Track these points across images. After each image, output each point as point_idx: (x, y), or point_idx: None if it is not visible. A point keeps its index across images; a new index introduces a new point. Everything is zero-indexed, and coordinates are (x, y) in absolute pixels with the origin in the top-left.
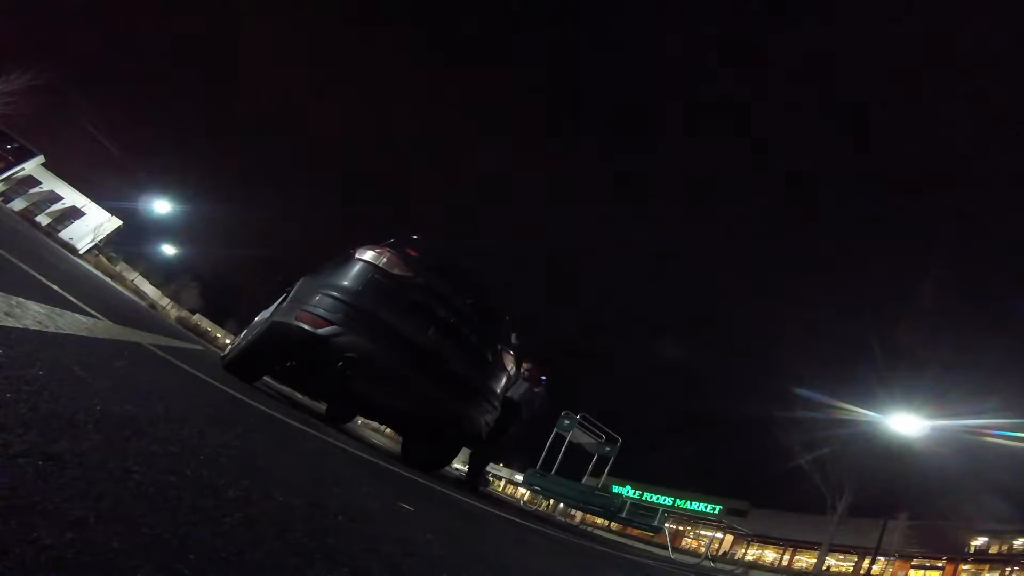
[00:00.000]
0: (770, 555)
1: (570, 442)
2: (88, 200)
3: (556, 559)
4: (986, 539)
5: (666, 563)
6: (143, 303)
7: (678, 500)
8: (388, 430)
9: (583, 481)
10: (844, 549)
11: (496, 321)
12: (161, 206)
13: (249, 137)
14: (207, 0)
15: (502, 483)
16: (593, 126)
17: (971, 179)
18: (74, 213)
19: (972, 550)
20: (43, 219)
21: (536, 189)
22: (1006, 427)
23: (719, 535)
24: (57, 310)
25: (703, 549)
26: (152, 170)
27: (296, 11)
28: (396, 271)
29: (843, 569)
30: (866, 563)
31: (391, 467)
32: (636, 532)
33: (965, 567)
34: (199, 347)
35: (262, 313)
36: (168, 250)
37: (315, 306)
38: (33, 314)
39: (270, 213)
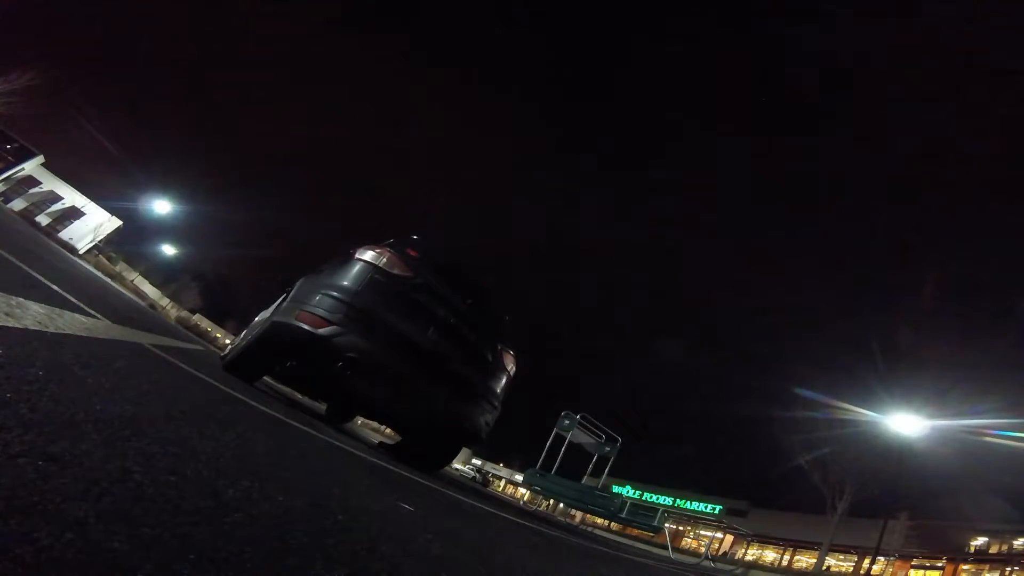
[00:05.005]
0: (770, 555)
1: (570, 442)
2: (88, 200)
3: (556, 559)
4: (986, 539)
5: (666, 563)
6: (143, 303)
7: (678, 500)
8: (388, 430)
9: (583, 481)
10: (844, 549)
11: (496, 321)
12: (161, 206)
13: (249, 137)
14: (207, 1)
15: (502, 483)
16: (595, 128)
17: (971, 179)
18: (74, 213)
19: (972, 550)
20: (43, 219)
21: (537, 190)
22: (1006, 427)
23: (719, 535)
24: (57, 310)
25: (703, 549)
26: (152, 170)
27: (298, 14)
28: (396, 271)
29: (843, 569)
30: (866, 563)
31: (391, 467)
32: (636, 532)
33: (965, 567)
34: (199, 347)
35: (262, 313)
36: (168, 250)
37: (315, 306)
38: (33, 314)
39: (270, 213)
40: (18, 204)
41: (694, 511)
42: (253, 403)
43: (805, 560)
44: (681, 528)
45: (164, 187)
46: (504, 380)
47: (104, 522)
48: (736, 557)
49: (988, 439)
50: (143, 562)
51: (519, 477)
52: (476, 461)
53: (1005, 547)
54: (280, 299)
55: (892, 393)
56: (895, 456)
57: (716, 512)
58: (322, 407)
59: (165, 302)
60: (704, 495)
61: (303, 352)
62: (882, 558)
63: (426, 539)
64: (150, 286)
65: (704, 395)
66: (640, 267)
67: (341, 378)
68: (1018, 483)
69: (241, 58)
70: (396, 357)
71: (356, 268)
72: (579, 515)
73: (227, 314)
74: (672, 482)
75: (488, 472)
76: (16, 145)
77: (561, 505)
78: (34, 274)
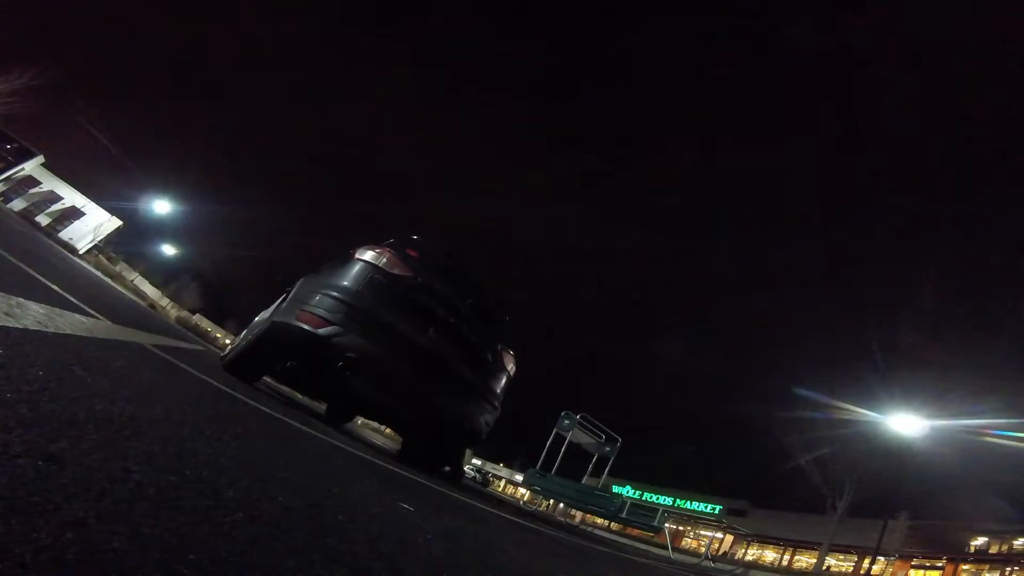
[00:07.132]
0: (770, 555)
1: (570, 442)
2: (88, 200)
3: (556, 559)
4: (986, 539)
5: (666, 563)
6: (143, 303)
7: (678, 500)
8: (388, 430)
9: (583, 481)
10: (844, 549)
11: (496, 321)
12: (161, 206)
13: (249, 137)
14: (207, 1)
15: (502, 483)
16: (595, 128)
17: (972, 179)
18: (74, 213)
19: (972, 550)
20: (43, 219)
21: (537, 191)
22: (1006, 427)
23: (719, 535)
24: (57, 310)
25: (703, 549)
26: (152, 170)
27: (298, 14)
28: (396, 271)
29: (843, 569)
30: (866, 563)
31: (391, 467)
32: (636, 532)
33: (965, 567)
34: (199, 347)
35: (262, 313)
36: (168, 250)
37: (315, 306)
38: (33, 314)
39: (270, 213)
40: (18, 204)
41: (694, 511)
42: (253, 403)
43: (805, 560)
44: (681, 528)
45: (164, 187)
46: (504, 380)
47: (104, 522)
48: (736, 557)
49: (988, 439)
50: (143, 562)
51: (519, 477)
52: (476, 461)
53: (1005, 547)
54: (280, 299)
55: (892, 393)
56: (895, 456)
57: (716, 512)
58: (322, 407)
59: (165, 302)
60: (704, 495)
61: (303, 352)
62: (882, 558)
63: (426, 539)
64: (150, 286)
65: (704, 395)
66: (639, 267)
67: (341, 378)
68: (1018, 483)
69: (242, 58)
70: (396, 357)
71: (356, 268)
72: (579, 515)
73: (227, 314)
74: (672, 482)
75: (488, 472)
76: (16, 145)
77: (561, 505)
78: (34, 274)
